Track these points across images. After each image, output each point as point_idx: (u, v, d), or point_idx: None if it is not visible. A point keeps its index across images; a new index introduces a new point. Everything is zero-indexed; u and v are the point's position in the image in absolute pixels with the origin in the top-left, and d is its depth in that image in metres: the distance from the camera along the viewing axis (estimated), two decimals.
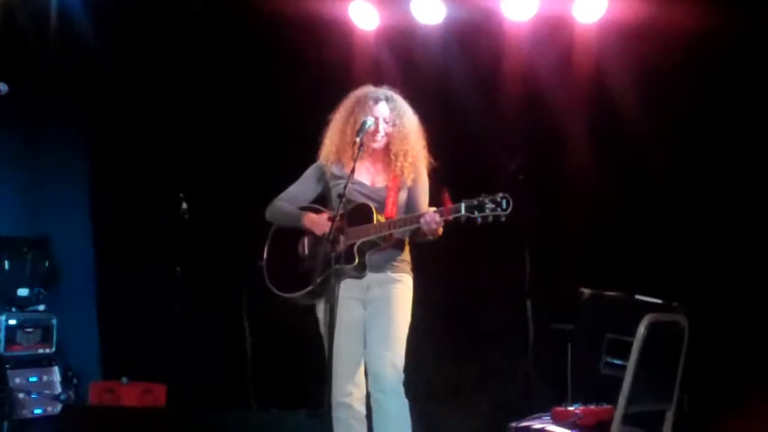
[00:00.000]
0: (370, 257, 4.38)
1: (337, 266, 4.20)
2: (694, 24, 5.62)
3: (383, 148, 4.53)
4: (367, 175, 4.55)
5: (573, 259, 6.11)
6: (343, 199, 4.23)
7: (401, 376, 4.33)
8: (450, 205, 4.11)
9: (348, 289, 4.37)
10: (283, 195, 4.71)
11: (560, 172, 6.20)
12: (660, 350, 4.49)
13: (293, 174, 6.88)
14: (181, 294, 6.72)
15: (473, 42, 6.46)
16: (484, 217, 4.00)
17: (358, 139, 4.31)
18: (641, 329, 4.34)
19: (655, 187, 5.93)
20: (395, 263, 4.47)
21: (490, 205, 3.98)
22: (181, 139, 7.34)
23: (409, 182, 4.47)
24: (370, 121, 4.41)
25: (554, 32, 6.23)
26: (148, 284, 7.20)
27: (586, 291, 5.41)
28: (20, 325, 6.77)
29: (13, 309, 6.83)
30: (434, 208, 4.16)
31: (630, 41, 5.95)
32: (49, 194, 7.56)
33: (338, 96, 6.57)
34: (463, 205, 4.05)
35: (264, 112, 7.11)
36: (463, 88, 6.38)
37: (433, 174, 4.58)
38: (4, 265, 6.91)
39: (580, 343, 5.45)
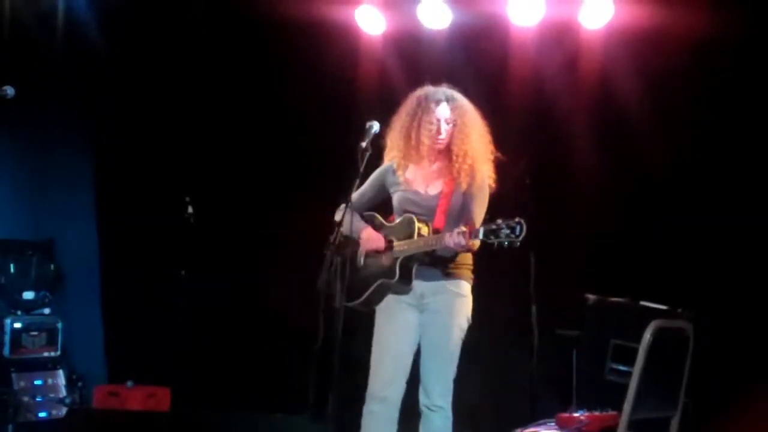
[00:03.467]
0: (417, 269, 4.39)
1: (383, 281, 4.42)
2: (700, 30, 5.61)
3: (445, 149, 4.49)
4: (422, 182, 4.54)
5: (578, 264, 6.10)
6: (348, 206, 4.35)
7: (450, 391, 4.41)
8: (472, 228, 4.10)
9: (402, 296, 4.46)
10: (352, 197, 4.61)
11: (566, 177, 6.19)
12: (665, 356, 4.47)
13: (299, 178, 6.96)
14: (186, 298, 6.73)
15: (479, 47, 6.46)
16: (500, 243, 3.98)
17: (363, 145, 4.32)
18: (647, 335, 4.33)
19: (661, 192, 5.92)
20: (449, 270, 4.44)
21: (505, 231, 3.96)
22: (186, 142, 7.35)
23: (464, 186, 4.44)
24: (376, 126, 4.41)
25: (560, 38, 6.22)
26: (154, 288, 7.21)
27: (592, 297, 5.41)
28: (25, 329, 6.78)
29: (19, 312, 6.83)
30: (464, 228, 4.12)
31: (636, 47, 5.94)
32: (54, 197, 7.57)
33: (345, 100, 6.62)
34: (481, 230, 4.04)
35: (270, 116, 7.12)
36: (469, 93, 6.36)
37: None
38: (9, 268, 6.92)
39: (585, 349, 5.44)
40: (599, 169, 6.04)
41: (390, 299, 4.51)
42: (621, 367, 5.05)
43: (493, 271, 6.25)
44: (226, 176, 7.28)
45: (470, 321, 4.52)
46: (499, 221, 3.99)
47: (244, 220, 7.20)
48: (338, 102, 6.73)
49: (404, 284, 4.40)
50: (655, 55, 5.87)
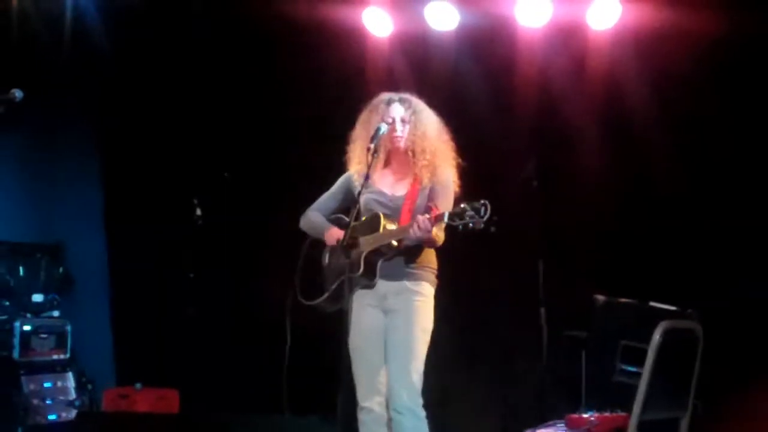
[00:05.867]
0: (382, 265, 4.40)
1: (348, 275, 4.36)
2: (707, 30, 5.59)
3: (404, 151, 4.52)
4: (388, 184, 4.57)
5: (587, 265, 6.09)
6: (356, 206, 4.35)
7: (418, 393, 4.32)
8: (437, 212, 4.14)
9: (365, 297, 4.45)
10: (315, 204, 4.78)
11: (574, 178, 6.18)
12: (674, 357, 4.48)
13: (307, 180, 6.95)
14: (195, 300, 6.73)
15: (487, 48, 6.45)
16: (465, 225, 3.97)
17: (371, 146, 4.32)
18: (656, 336, 4.33)
19: (669, 193, 5.90)
20: (412, 270, 4.44)
21: (470, 213, 3.95)
22: (195, 144, 7.37)
23: (426, 182, 4.46)
24: (383, 127, 4.41)
25: (568, 39, 6.21)
26: (162, 290, 7.22)
27: (600, 298, 5.40)
28: (35, 331, 6.79)
29: (28, 315, 6.85)
30: (427, 216, 4.16)
31: (643, 48, 5.94)
32: (63, 201, 7.60)
33: (352, 102, 6.61)
34: (446, 214, 4.06)
35: (278, 118, 7.13)
36: (477, 95, 6.37)
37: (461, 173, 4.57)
38: (18, 271, 6.95)
39: (594, 350, 5.43)
40: (607, 170, 6.03)
41: (354, 304, 4.47)
42: (630, 368, 5.04)
43: (502, 272, 6.29)
44: (233, 179, 7.28)
45: (432, 324, 4.46)
46: (463, 204, 3.99)
47: (252, 222, 7.20)
48: (345, 104, 6.72)
49: (368, 279, 4.41)
50: (663, 56, 5.87)
